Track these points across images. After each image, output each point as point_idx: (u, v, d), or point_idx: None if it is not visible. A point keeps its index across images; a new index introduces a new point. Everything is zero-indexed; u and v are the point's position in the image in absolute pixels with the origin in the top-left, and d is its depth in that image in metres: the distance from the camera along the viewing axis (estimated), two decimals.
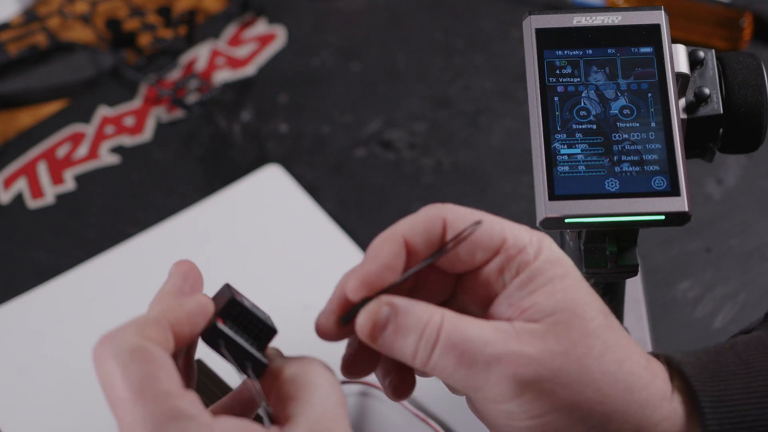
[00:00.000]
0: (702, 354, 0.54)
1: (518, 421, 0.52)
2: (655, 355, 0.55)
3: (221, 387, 0.72)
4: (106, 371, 0.49)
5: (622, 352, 0.52)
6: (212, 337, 0.51)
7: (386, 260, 0.53)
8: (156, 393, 0.47)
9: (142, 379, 0.47)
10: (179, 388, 0.48)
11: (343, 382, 0.73)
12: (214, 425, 0.47)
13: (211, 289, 0.84)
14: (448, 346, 0.51)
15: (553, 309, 0.52)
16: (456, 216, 0.53)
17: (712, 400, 0.52)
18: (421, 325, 0.51)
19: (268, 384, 0.51)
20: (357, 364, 0.55)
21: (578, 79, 0.56)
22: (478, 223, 0.52)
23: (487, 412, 0.53)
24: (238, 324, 0.52)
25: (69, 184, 0.90)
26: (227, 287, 0.54)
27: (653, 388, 0.52)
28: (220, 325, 0.51)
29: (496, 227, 0.53)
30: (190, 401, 0.48)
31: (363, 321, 0.52)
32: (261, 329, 0.52)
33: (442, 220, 0.53)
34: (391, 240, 0.53)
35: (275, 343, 0.54)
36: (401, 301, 0.52)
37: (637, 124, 0.55)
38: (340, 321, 0.53)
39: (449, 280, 0.55)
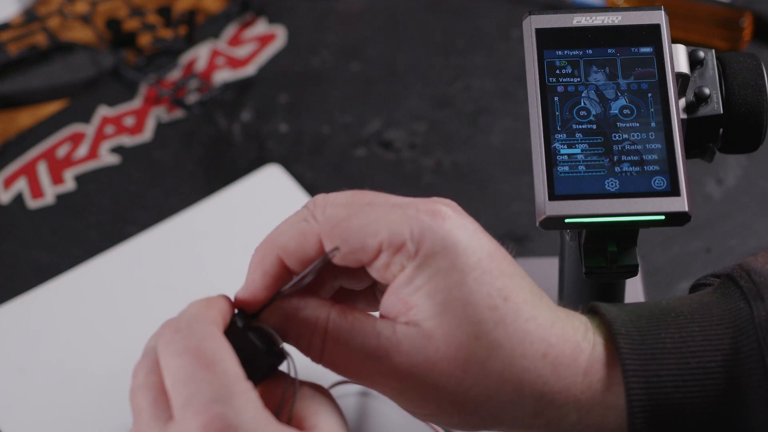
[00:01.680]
0: (645, 322, 0.53)
1: (415, 415, 0.54)
2: (594, 308, 0.55)
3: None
4: (178, 348, 0.49)
5: (512, 349, 0.51)
6: (246, 322, 0.52)
7: (266, 283, 0.54)
8: (225, 370, 0.48)
9: (214, 356, 0.48)
10: (243, 373, 0.49)
11: (343, 382, 0.73)
12: (268, 416, 0.48)
13: (210, 290, 0.84)
14: (331, 357, 0.52)
15: (433, 312, 0.51)
16: (330, 234, 0.53)
17: (642, 384, 0.52)
18: (308, 332, 0.53)
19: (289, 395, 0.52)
20: None
21: (578, 79, 0.56)
22: (335, 249, 0.52)
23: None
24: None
25: (69, 184, 0.90)
26: None
27: (553, 379, 0.52)
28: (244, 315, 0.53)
29: (371, 228, 0.52)
30: (250, 387, 0.48)
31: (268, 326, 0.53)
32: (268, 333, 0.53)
33: (317, 237, 0.53)
34: (267, 260, 0.54)
35: None
36: (291, 305, 0.53)
37: (637, 124, 0.55)
38: (246, 323, 0.54)
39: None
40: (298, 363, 0.55)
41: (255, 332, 0.52)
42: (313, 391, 0.52)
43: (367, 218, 0.52)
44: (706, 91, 0.58)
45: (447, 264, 0.51)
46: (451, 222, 0.52)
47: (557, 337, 0.52)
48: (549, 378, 0.52)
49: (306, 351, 0.53)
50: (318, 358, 0.53)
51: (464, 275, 0.51)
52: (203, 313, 0.51)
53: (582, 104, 0.56)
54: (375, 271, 0.53)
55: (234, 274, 0.83)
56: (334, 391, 0.72)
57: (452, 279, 0.51)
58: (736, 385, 0.52)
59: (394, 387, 0.52)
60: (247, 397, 0.48)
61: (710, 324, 0.53)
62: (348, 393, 0.73)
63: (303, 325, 0.53)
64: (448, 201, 0.54)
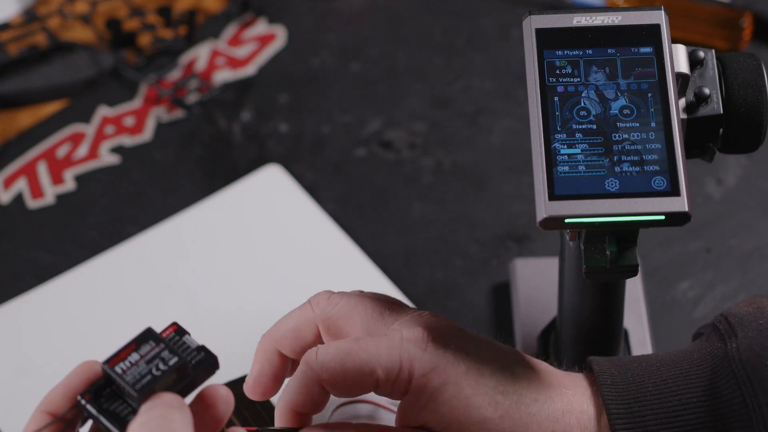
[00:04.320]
0: (631, 375, 0.58)
1: None
2: (589, 364, 0.60)
3: (267, 409, 0.72)
4: None
5: (512, 423, 0.57)
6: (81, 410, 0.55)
7: (268, 375, 0.63)
8: None
9: None
10: None
11: (350, 402, 0.72)
12: None
13: (210, 289, 0.84)
14: None
15: (442, 423, 0.57)
16: (327, 330, 0.61)
17: (626, 422, 0.57)
18: None
19: None
20: (260, 387, 0.64)
21: (578, 79, 0.56)
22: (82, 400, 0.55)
23: None
24: (109, 395, 0.55)
25: (69, 184, 0.90)
26: (149, 330, 0.57)
27: None
28: (81, 401, 0.55)
29: (366, 369, 0.58)
30: None
31: None
32: (130, 393, 0.54)
33: (315, 327, 0.61)
34: (267, 353, 0.63)
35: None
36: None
37: (637, 124, 0.55)
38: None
39: None
40: None
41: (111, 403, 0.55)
42: None
43: (359, 359, 0.58)
44: (706, 91, 0.58)
45: (441, 380, 0.57)
46: (433, 344, 0.58)
47: (562, 411, 0.58)
48: None
49: None
50: None
51: (458, 386, 0.57)
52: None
53: (582, 104, 0.56)
54: (379, 392, 0.59)
55: (234, 274, 0.83)
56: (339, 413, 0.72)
57: (449, 392, 0.57)
58: (719, 416, 0.56)
59: None
60: None
61: (691, 367, 0.58)
62: (357, 414, 0.73)
63: None
64: (427, 319, 0.59)
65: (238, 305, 0.80)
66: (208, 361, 0.56)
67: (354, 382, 0.58)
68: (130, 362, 0.54)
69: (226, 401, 0.56)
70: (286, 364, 0.63)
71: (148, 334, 0.55)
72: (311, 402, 0.59)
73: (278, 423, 0.60)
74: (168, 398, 0.53)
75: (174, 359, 0.54)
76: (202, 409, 0.55)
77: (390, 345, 0.58)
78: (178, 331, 0.57)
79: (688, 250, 0.83)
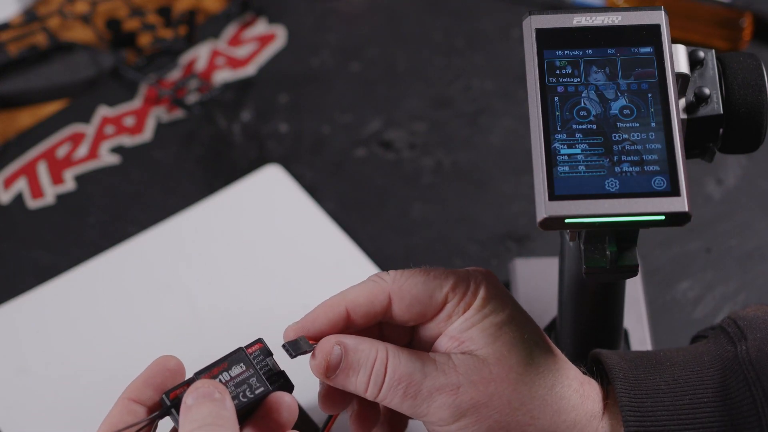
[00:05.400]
0: (642, 371, 0.60)
1: None
2: (596, 356, 0.61)
3: (308, 423, 0.71)
4: None
5: (553, 377, 0.58)
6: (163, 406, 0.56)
7: (321, 327, 0.59)
8: None
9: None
10: None
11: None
12: None
13: (210, 289, 0.84)
14: (395, 381, 0.57)
15: (486, 342, 0.58)
16: (400, 290, 0.60)
17: (638, 416, 0.58)
18: (370, 362, 0.58)
19: None
20: (332, 398, 0.61)
21: (578, 79, 0.56)
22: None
23: None
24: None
25: (69, 184, 0.90)
26: (241, 350, 0.58)
27: (582, 409, 0.58)
28: (165, 398, 0.56)
29: (438, 282, 0.60)
30: None
31: (318, 360, 0.58)
32: None
33: (387, 294, 0.60)
34: (333, 308, 0.60)
35: None
36: (349, 340, 0.58)
37: (637, 124, 0.55)
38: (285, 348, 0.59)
39: (408, 329, 0.62)
40: None
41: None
42: None
43: (431, 275, 0.60)
44: (706, 91, 0.58)
45: (500, 304, 0.59)
46: (494, 284, 0.61)
47: (585, 378, 0.59)
48: (579, 408, 0.58)
49: (365, 388, 0.58)
50: (377, 391, 0.57)
51: (514, 314, 0.59)
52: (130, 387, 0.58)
53: (582, 104, 0.56)
54: (435, 325, 0.60)
55: (234, 274, 0.83)
56: None
57: (505, 314, 0.59)
58: (729, 416, 0.57)
59: (451, 404, 0.57)
60: None
61: (702, 368, 0.59)
62: None
63: (363, 361, 0.58)
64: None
65: (238, 305, 0.80)
66: (284, 389, 0.57)
67: (424, 293, 0.59)
68: (221, 380, 0.56)
69: (290, 408, 0.57)
70: (345, 324, 0.60)
71: (240, 355, 0.57)
72: (367, 311, 0.59)
73: (315, 312, 0.60)
74: (207, 387, 0.55)
75: (260, 389, 0.56)
76: (266, 415, 0.57)
77: (460, 272, 0.61)
78: (263, 350, 0.58)
79: (688, 250, 0.83)
